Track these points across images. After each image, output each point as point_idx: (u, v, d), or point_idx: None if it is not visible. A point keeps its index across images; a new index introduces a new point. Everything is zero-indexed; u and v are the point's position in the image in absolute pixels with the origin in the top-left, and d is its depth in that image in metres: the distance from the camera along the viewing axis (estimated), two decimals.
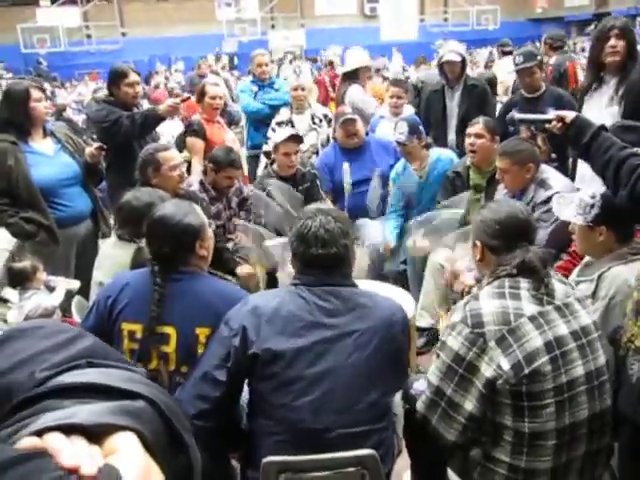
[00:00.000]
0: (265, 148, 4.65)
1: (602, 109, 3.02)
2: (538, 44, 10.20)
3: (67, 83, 15.62)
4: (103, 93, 5.00)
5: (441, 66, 4.31)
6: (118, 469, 0.46)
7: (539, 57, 3.85)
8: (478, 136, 3.36)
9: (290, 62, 13.03)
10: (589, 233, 2.08)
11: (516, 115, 2.59)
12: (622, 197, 1.92)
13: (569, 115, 2.14)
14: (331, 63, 9.04)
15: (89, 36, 19.46)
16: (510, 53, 7.21)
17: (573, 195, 2.17)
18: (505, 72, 6.53)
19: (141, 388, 0.58)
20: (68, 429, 0.49)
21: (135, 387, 0.58)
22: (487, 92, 4.48)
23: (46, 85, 9.63)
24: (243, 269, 3.15)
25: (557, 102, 3.54)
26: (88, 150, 3.30)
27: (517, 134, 3.46)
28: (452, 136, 4.27)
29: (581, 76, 5.56)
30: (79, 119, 8.72)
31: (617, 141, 2.00)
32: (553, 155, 3.59)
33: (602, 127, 2.08)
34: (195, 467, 0.61)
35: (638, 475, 1.74)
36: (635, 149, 1.97)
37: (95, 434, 0.50)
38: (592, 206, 2.04)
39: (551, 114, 2.22)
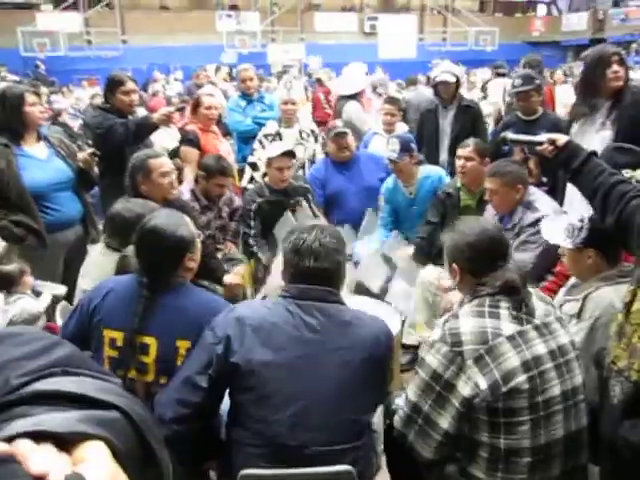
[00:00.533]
0: (250, 159, 4.61)
1: (592, 133, 3.05)
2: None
3: (64, 88, 15.61)
4: (100, 100, 5.00)
5: (435, 86, 4.36)
6: (84, 478, 0.47)
7: (537, 81, 3.88)
8: (468, 159, 3.35)
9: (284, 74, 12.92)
10: (578, 256, 2.10)
11: (509, 135, 2.60)
12: (609, 223, 1.94)
13: (561, 139, 2.14)
14: (319, 80, 8.83)
15: (89, 42, 19.49)
16: (504, 75, 7.29)
17: (561, 219, 2.19)
18: (498, 93, 6.59)
19: (114, 398, 0.58)
20: (38, 436, 0.49)
21: (108, 397, 0.58)
22: (481, 113, 4.53)
23: (44, 89, 9.61)
24: (229, 278, 3.14)
25: (554, 127, 3.54)
26: (81, 155, 3.30)
27: (510, 155, 3.48)
28: (444, 155, 4.28)
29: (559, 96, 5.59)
30: (75, 124, 8.70)
31: (607, 167, 2.02)
32: (544, 179, 3.61)
33: (593, 153, 2.10)
34: (166, 478, 0.62)
35: None
36: (624, 176, 1.99)
37: (65, 442, 0.50)
38: (580, 229, 2.06)
39: (543, 136, 2.21)
